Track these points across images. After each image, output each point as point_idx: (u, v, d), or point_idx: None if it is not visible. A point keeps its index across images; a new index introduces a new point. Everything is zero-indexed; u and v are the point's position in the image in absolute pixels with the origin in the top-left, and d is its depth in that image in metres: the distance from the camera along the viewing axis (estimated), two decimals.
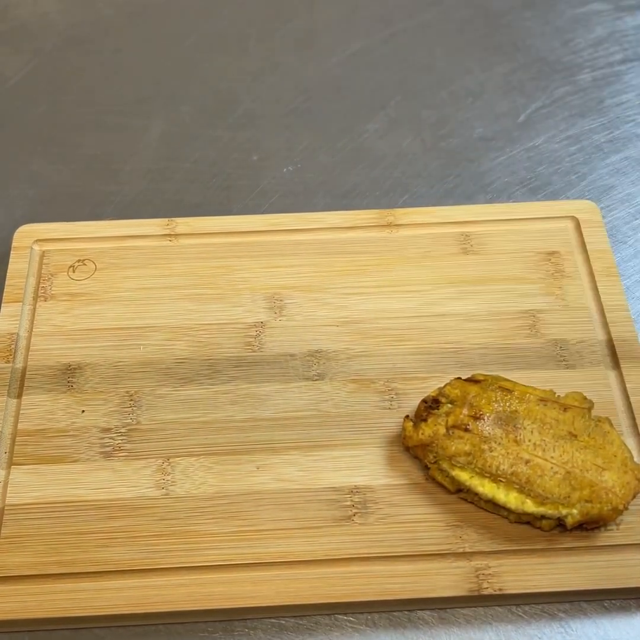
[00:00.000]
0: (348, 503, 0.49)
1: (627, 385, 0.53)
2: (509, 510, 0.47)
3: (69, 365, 0.55)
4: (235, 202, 0.66)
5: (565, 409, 0.49)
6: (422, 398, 0.51)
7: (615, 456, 0.48)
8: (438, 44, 0.77)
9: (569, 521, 0.46)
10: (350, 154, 0.69)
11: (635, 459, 0.50)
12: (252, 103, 0.73)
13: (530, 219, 0.61)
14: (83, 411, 0.53)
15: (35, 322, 0.57)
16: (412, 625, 0.47)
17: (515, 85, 0.74)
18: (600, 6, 0.79)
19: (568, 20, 0.78)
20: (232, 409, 0.53)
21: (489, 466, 0.47)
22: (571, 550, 0.47)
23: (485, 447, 0.48)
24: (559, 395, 0.50)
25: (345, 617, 0.47)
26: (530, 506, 0.47)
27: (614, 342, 0.55)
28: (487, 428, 0.48)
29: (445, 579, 0.47)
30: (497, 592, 0.46)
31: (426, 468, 0.49)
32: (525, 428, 0.48)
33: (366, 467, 0.50)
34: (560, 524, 0.47)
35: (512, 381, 0.51)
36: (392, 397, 0.53)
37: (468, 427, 0.48)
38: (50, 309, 0.57)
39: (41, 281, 0.58)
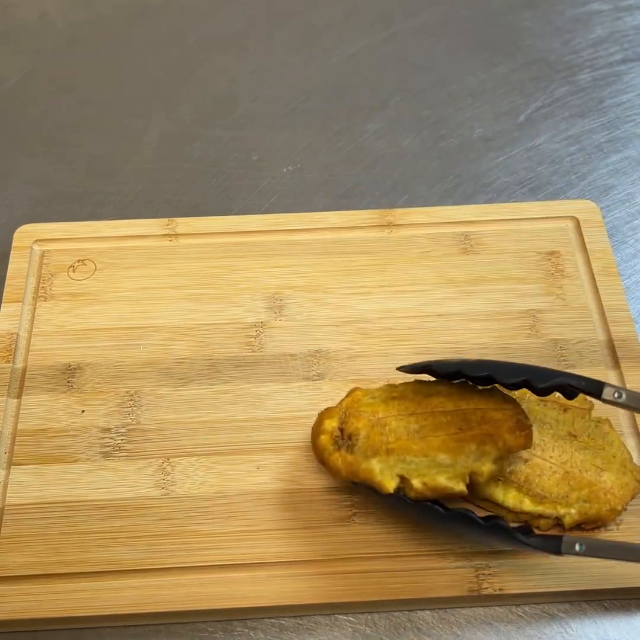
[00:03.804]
0: (348, 503, 0.49)
1: (627, 386, 0.53)
2: (506, 509, 0.47)
3: (69, 365, 0.55)
4: (235, 202, 0.66)
5: (565, 410, 0.49)
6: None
7: (614, 457, 0.48)
8: (438, 44, 0.77)
9: (567, 521, 0.46)
10: (350, 154, 0.69)
11: (635, 460, 0.50)
12: (252, 103, 0.73)
13: (530, 219, 0.61)
14: (83, 411, 0.53)
15: (35, 322, 0.57)
16: (412, 625, 0.47)
17: (515, 85, 0.74)
18: (600, 6, 0.79)
19: (568, 20, 0.78)
20: (232, 408, 0.53)
21: None
22: None
23: None
24: (559, 396, 0.50)
25: (345, 617, 0.47)
26: (528, 505, 0.47)
27: (614, 342, 0.55)
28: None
29: (445, 579, 0.47)
30: (497, 592, 0.46)
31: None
32: None
33: None
34: (558, 524, 0.47)
35: None
36: None
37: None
38: (50, 309, 0.57)
39: (41, 281, 0.58)
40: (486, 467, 0.45)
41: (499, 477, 0.47)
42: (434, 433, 0.46)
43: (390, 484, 0.45)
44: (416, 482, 0.45)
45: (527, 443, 0.46)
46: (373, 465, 0.46)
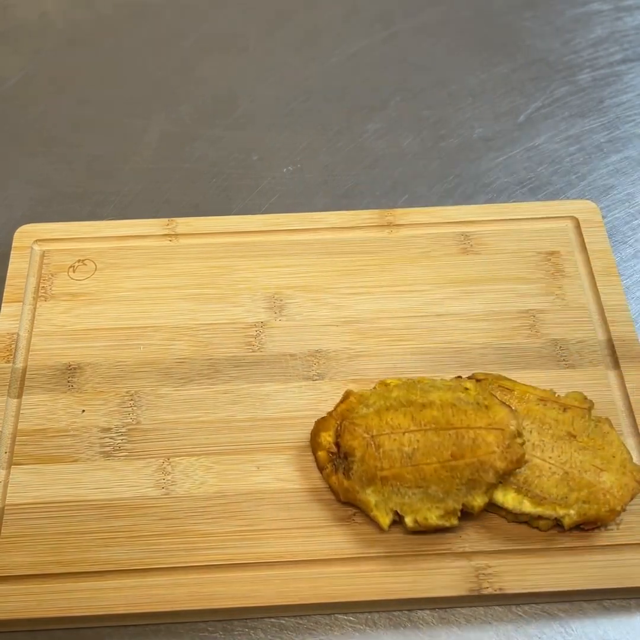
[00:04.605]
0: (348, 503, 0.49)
1: (627, 385, 0.53)
2: (506, 510, 0.47)
3: (69, 365, 0.55)
4: (235, 202, 0.66)
5: (565, 409, 0.49)
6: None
7: (614, 457, 0.48)
8: (438, 44, 0.77)
9: (566, 522, 0.46)
10: (350, 154, 0.69)
11: (635, 460, 0.50)
12: (252, 103, 0.73)
13: (530, 219, 0.61)
14: (83, 411, 0.53)
15: (35, 322, 0.57)
16: (412, 625, 0.47)
17: (515, 85, 0.74)
18: (600, 6, 0.79)
19: (568, 20, 0.78)
20: (232, 408, 0.53)
21: None
22: (571, 550, 0.47)
23: None
24: (559, 395, 0.50)
25: (345, 617, 0.47)
26: (527, 506, 0.47)
27: (614, 342, 0.55)
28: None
29: (445, 579, 0.47)
30: (497, 592, 0.46)
31: None
32: (524, 428, 0.48)
33: None
34: (557, 524, 0.47)
35: (512, 381, 0.51)
36: None
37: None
38: (51, 309, 0.57)
39: (41, 281, 0.58)
40: (477, 502, 0.46)
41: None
42: (426, 459, 0.47)
43: (385, 520, 0.47)
44: (409, 520, 0.46)
45: (519, 465, 0.46)
46: (369, 496, 0.47)
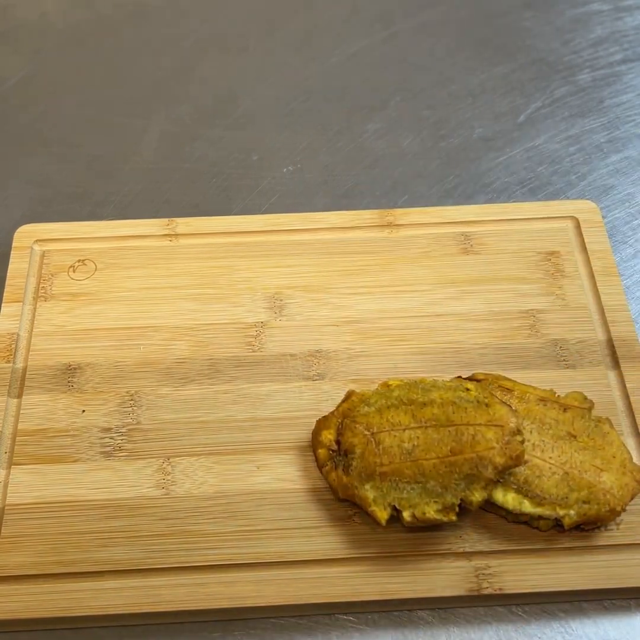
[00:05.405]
0: (348, 503, 0.49)
1: (627, 385, 0.53)
2: (506, 510, 0.47)
3: (69, 365, 0.55)
4: (235, 202, 0.66)
5: (565, 409, 0.49)
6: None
7: (614, 457, 0.48)
8: (438, 44, 0.77)
9: (567, 522, 0.46)
10: (350, 154, 0.69)
11: (635, 460, 0.50)
12: (252, 103, 0.73)
13: (530, 219, 0.61)
14: (83, 411, 0.53)
15: (35, 322, 0.57)
16: (412, 625, 0.47)
17: (515, 85, 0.74)
18: (600, 6, 0.79)
19: (568, 20, 0.78)
20: (233, 408, 0.53)
21: None
22: (571, 550, 0.47)
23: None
24: (559, 395, 0.50)
25: (345, 617, 0.47)
26: (527, 507, 0.47)
27: (614, 342, 0.55)
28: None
29: (445, 579, 0.47)
30: (497, 592, 0.46)
31: None
32: (524, 428, 0.48)
33: None
34: (557, 524, 0.47)
35: (512, 380, 0.51)
36: None
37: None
38: (51, 309, 0.57)
39: (41, 281, 0.59)
40: (475, 497, 0.46)
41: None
42: (425, 455, 0.47)
43: (382, 515, 0.47)
44: (406, 514, 0.46)
45: (518, 462, 0.46)
46: (367, 492, 0.47)
